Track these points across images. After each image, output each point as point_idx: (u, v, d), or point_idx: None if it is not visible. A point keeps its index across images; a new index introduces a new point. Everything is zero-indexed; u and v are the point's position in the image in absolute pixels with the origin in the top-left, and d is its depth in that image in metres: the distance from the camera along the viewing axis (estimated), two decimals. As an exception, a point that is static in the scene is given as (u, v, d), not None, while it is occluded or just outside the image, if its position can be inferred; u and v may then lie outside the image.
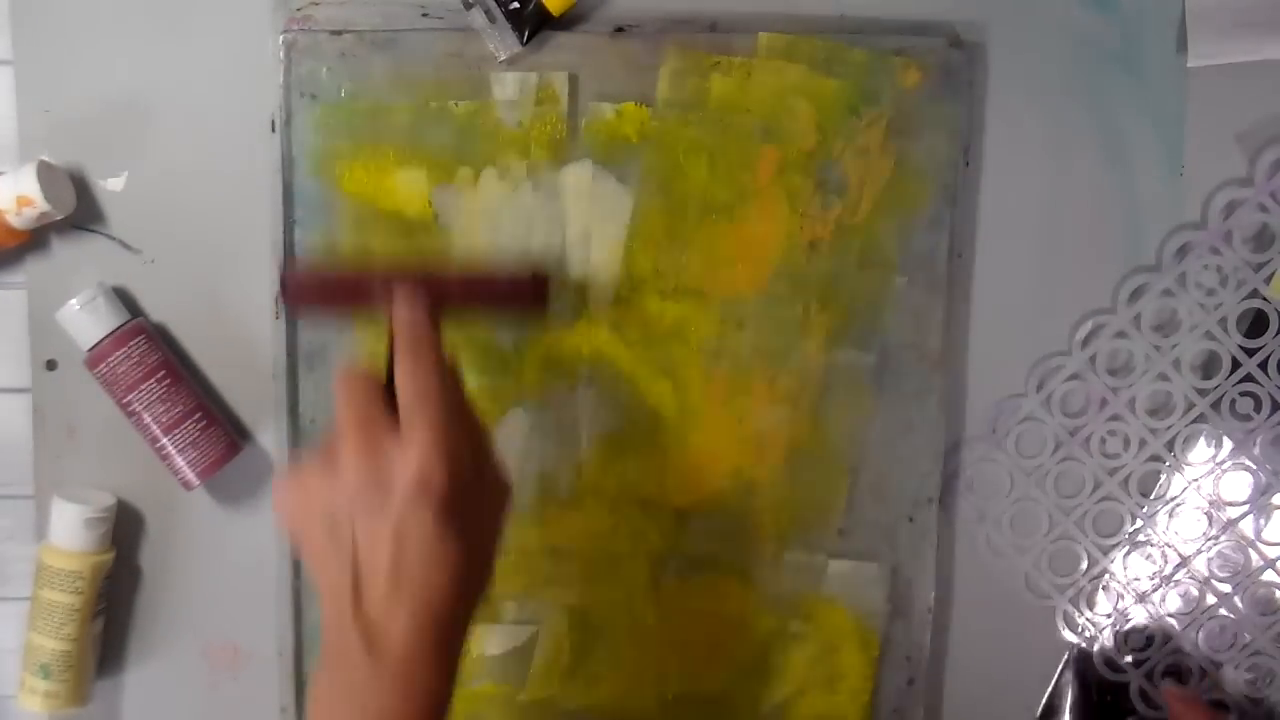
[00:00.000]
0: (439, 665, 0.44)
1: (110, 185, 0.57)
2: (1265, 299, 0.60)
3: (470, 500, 0.45)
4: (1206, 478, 0.62)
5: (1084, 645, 0.63)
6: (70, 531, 0.57)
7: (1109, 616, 0.63)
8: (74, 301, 0.55)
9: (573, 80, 0.56)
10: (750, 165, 0.57)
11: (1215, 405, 0.61)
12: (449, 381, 0.46)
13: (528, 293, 0.54)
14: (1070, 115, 0.59)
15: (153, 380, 0.56)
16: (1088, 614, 0.63)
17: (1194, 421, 0.61)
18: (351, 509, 0.43)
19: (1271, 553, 0.62)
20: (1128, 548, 0.62)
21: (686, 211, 0.57)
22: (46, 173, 0.54)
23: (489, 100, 0.56)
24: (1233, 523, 0.62)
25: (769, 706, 0.62)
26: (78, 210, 0.57)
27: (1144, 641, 0.63)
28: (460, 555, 0.44)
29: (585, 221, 0.57)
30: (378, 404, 0.45)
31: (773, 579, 0.61)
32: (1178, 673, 0.63)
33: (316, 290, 0.53)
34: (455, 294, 0.52)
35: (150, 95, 0.57)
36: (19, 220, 0.54)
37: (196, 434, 0.56)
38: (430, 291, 0.50)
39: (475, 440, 0.47)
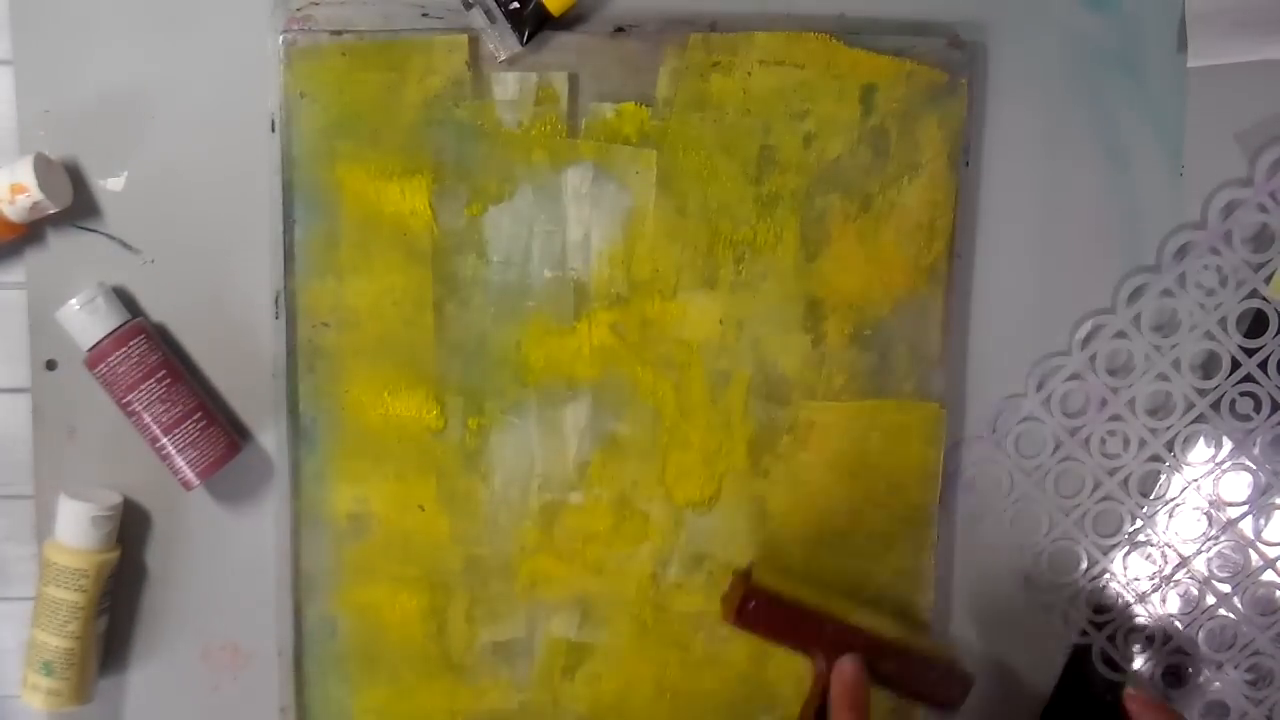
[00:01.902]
0: None
1: (110, 185, 0.57)
2: (1265, 299, 0.60)
3: None
4: (1206, 478, 0.62)
5: (1084, 645, 0.63)
6: (76, 529, 0.57)
7: (1109, 616, 0.63)
8: (74, 301, 0.55)
9: (573, 80, 0.56)
10: (750, 165, 0.57)
11: (1215, 405, 0.61)
12: None
13: (954, 690, 0.57)
14: (1070, 115, 0.59)
15: (153, 380, 0.56)
16: (1088, 614, 0.63)
17: (1194, 421, 0.61)
18: None
19: (1271, 553, 0.62)
20: (1128, 548, 0.62)
21: (686, 211, 0.57)
22: (43, 164, 0.54)
23: (489, 100, 0.56)
24: (1233, 523, 0.62)
25: (769, 706, 0.62)
26: (77, 210, 0.57)
27: (1144, 641, 0.63)
28: None
29: (585, 222, 0.57)
30: None
31: (773, 578, 0.61)
32: (1177, 672, 0.64)
33: (768, 618, 0.56)
34: (889, 667, 0.55)
35: (150, 95, 0.57)
36: (14, 210, 0.54)
37: (196, 434, 0.56)
38: (870, 660, 0.54)
39: None
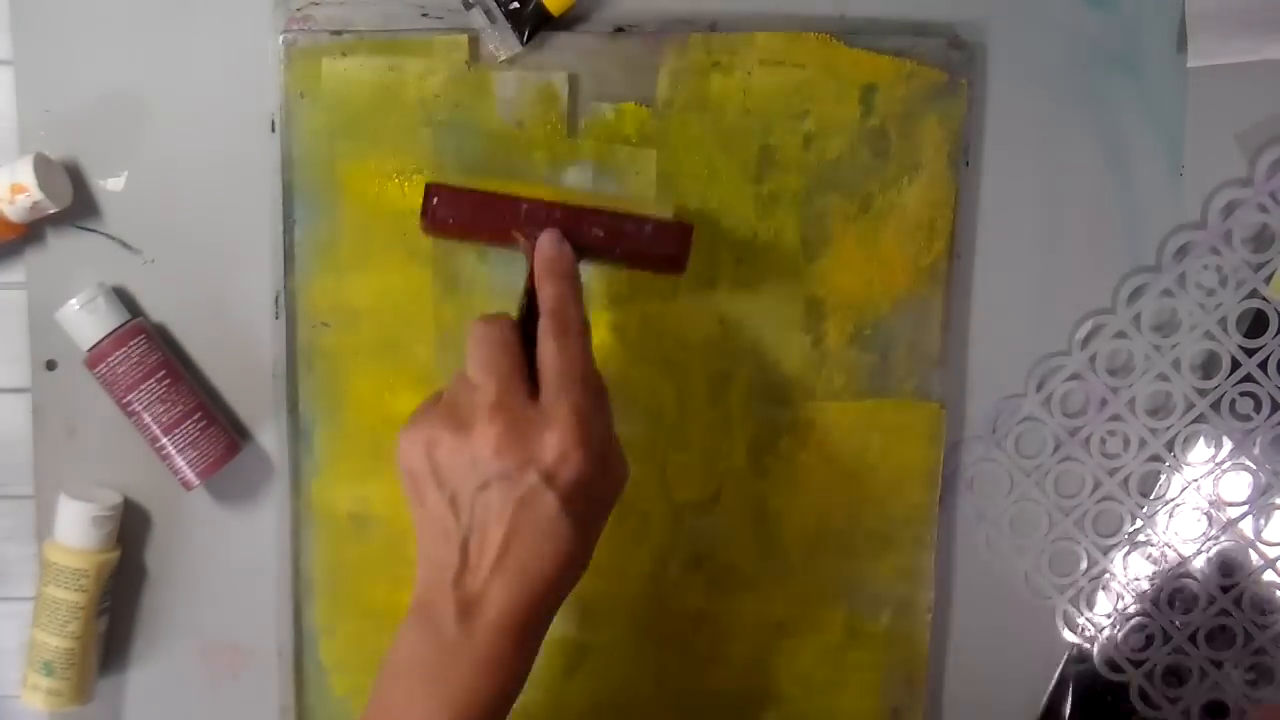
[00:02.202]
0: (526, 646, 0.45)
1: (110, 185, 0.57)
2: (1265, 299, 0.60)
3: (594, 488, 0.44)
4: (1206, 478, 0.62)
5: (1084, 645, 0.63)
6: (76, 529, 0.57)
7: (1109, 616, 0.63)
8: (74, 301, 0.55)
9: (573, 80, 0.56)
10: (749, 165, 0.57)
11: (1215, 405, 0.61)
12: (590, 356, 0.45)
13: (671, 242, 0.53)
14: (1070, 115, 0.59)
15: (153, 380, 0.56)
16: (1087, 614, 0.63)
17: (1194, 421, 0.61)
18: (477, 479, 0.43)
19: (1271, 553, 0.62)
20: (1128, 548, 0.62)
21: (686, 211, 0.57)
22: (43, 164, 0.54)
23: (489, 100, 0.56)
24: (1233, 523, 0.62)
25: (769, 706, 0.62)
26: (77, 210, 0.57)
27: (1144, 641, 0.63)
28: (573, 544, 0.44)
29: (585, 221, 0.57)
30: (519, 367, 0.44)
31: (773, 578, 0.61)
32: (1177, 672, 0.64)
33: (457, 211, 0.52)
34: (599, 237, 0.52)
35: (150, 95, 0.57)
36: (14, 210, 0.54)
37: (196, 434, 0.56)
38: (575, 230, 0.50)
39: (606, 422, 0.46)
